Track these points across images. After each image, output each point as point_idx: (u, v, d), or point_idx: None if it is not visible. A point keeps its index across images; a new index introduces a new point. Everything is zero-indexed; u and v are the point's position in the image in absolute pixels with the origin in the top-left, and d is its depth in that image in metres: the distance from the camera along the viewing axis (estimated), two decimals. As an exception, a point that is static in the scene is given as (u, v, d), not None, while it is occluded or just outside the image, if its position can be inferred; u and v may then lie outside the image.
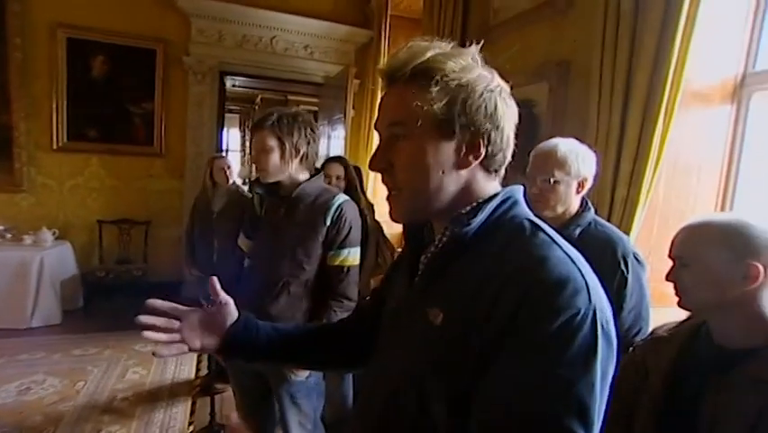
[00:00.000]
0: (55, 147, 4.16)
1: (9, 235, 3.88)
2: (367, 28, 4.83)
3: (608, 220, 1.80)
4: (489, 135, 0.63)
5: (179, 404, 2.66)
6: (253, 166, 3.37)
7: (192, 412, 2.59)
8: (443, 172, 0.64)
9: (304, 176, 1.54)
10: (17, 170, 4.08)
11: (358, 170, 2.51)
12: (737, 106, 1.91)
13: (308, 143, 1.50)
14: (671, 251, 0.93)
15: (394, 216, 0.69)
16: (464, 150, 0.63)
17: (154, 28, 4.27)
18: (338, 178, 2.23)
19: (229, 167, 2.91)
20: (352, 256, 1.51)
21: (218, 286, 0.81)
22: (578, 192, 1.32)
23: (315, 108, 5.79)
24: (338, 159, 2.46)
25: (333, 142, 4.65)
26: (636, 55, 1.77)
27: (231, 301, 0.84)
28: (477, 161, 0.64)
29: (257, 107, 9.14)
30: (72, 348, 3.27)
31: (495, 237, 0.63)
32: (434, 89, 0.61)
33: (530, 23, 2.56)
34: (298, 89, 6.74)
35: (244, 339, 0.83)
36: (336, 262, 1.50)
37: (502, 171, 0.69)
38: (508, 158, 0.68)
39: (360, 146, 4.80)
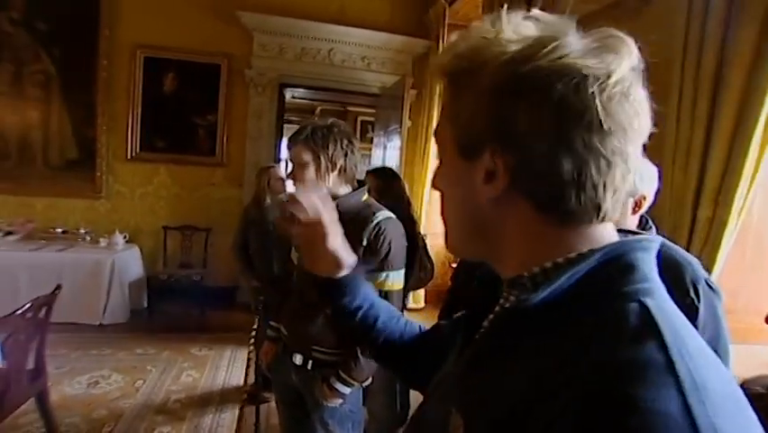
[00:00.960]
0: (129, 157, 4.50)
1: (88, 238, 4.24)
2: (425, 38, 4.78)
3: (689, 243, 1.58)
4: (522, 159, 0.42)
5: (228, 410, 2.70)
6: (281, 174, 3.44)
7: (239, 419, 2.61)
8: (465, 205, 0.48)
9: (344, 190, 1.44)
10: (98, 178, 4.46)
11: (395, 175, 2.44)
12: None
13: (346, 155, 1.40)
14: None
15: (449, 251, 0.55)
16: (482, 175, 0.44)
17: (219, 43, 4.49)
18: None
19: (282, 179, 2.91)
20: (392, 280, 1.38)
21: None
22: (634, 211, 1.16)
23: (372, 119, 5.81)
24: (373, 171, 2.41)
25: (389, 152, 4.63)
26: (728, 58, 1.55)
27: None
28: (497, 194, 0.44)
29: (317, 118, 9.37)
30: (135, 347, 3.46)
31: (571, 322, 0.40)
32: (454, 89, 0.47)
33: (598, 26, 2.36)
34: (356, 100, 6.84)
35: (355, 290, 0.77)
36: (373, 287, 1.40)
37: (607, 212, 0.42)
38: (609, 197, 0.42)
39: (416, 157, 4.74)
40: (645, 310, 0.37)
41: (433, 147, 4.46)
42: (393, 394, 2.22)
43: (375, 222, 1.36)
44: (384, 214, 1.40)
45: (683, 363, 0.34)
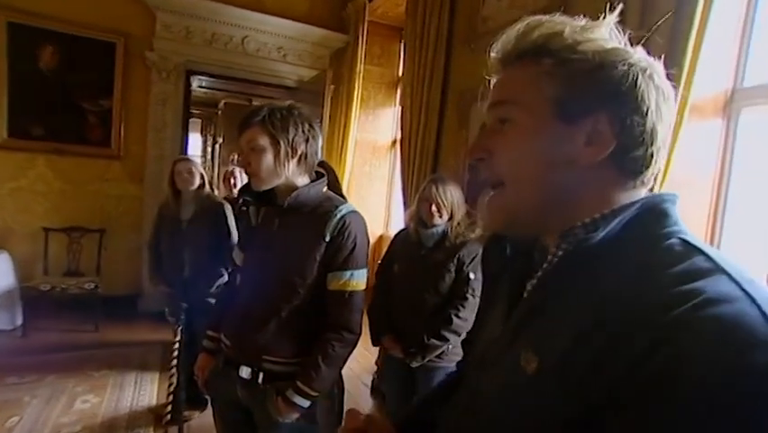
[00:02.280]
0: (-8, 144, 3.71)
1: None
2: (343, 32, 4.70)
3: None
4: (624, 122, 0.48)
5: (139, 436, 2.37)
6: (235, 172, 3.18)
7: (155, 445, 2.31)
8: (557, 166, 0.50)
9: (303, 180, 1.31)
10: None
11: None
12: (728, 121, 1.92)
13: (307, 141, 1.27)
14: None
15: (490, 221, 0.55)
16: (587, 139, 0.49)
17: (114, 19, 3.93)
18: None
19: (190, 171, 2.56)
20: (356, 279, 1.27)
21: None
22: None
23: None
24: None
25: (307, 147, 4.46)
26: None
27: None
28: (603, 155, 0.49)
29: (219, 112, 8.78)
30: (4, 376, 2.82)
31: (623, 258, 0.46)
32: (550, 62, 0.50)
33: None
34: (268, 93, 6.52)
35: None
36: (336, 287, 1.26)
37: (649, 178, 0.51)
38: (658, 161, 0.50)
39: (333, 153, 4.65)
40: (685, 242, 0.45)
41: (351, 143, 4.43)
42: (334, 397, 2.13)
43: (339, 215, 1.25)
44: (348, 207, 1.30)
45: (728, 266, 0.41)
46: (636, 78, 0.48)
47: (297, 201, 1.27)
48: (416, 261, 1.92)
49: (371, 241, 1.61)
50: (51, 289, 3.60)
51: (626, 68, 0.48)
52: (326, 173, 1.42)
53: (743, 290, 0.38)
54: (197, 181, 2.55)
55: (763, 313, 0.35)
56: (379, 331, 1.97)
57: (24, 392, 2.66)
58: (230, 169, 3.39)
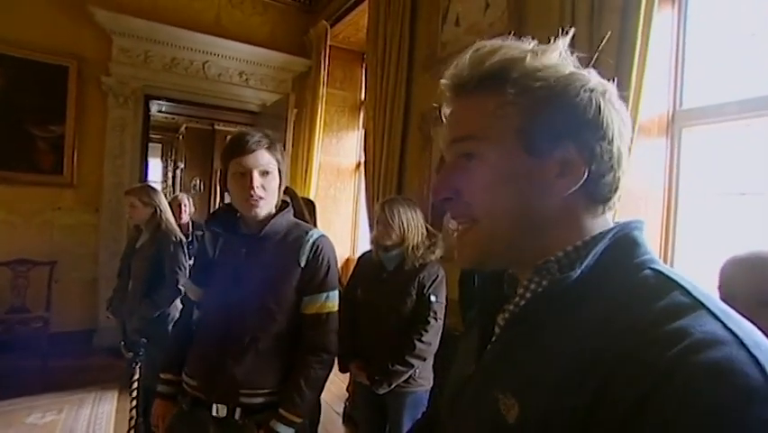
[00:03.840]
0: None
1: None
2: (305, 57, 4.75)
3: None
4: (593, 150, 0.48)
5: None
6: (183, 200, 3.07)
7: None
8: (530, 200, 0.49)
9: (272, 209, 1.32)
10: None
11: (309, 202, 2.34)
12: (671, 141, 2.05)
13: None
14: None
15: (463, 257, 0.53)
16: (559, 170, 0.48)
17: (67, 42, 3.80)
18: None
19: (132, 205, 2.45)
20: (331, 301, 1.30)
21: None
22: None
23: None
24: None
25: (270, 172, 4.41)
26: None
27: None
28: (577, 185, 0.48)
29: (181, 137, 8.59)
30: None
31: (602, 294, 0.44)
32: (512, 91, 0.48)
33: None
34: (230, 117, 6.43)
35: None
36: (313, 310, 1.27)
37: (615, 201, 0.51)
38: (622, 184, 0.50)
39: (298, 177, 4.61)
40: (658, 272, 0.44)
41: (315, 166, 4.42)
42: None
43: (311, 240, 1.28)
44: (317, 232, 1.33)
45: (705, 298, 0.40)
46: (599, 104, 0.48)
47: (271, 229, 1.27)
48: (378, 284, 1.91)
49: (338, 265, 1.60)
50: (-6, 328, 3.34)
51: (587, 94, 0.48)
52: (291, 199, 1.43)
53: (727, 328, 0.37)
54: (146, 211, 2.46)
55: (752, 357, 0.35)
56: (345, 357, 1.92)
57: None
58: (179, 196, 3.30)
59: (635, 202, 2.02)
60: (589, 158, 0.48)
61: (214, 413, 1.21)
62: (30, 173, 3.75)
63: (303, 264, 1.26)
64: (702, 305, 0.39)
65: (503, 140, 0.49)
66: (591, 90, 0.48)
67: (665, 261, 2.00)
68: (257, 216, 1.25)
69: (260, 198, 1.23)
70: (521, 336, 0.49)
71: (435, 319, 1.82)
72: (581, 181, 0.48)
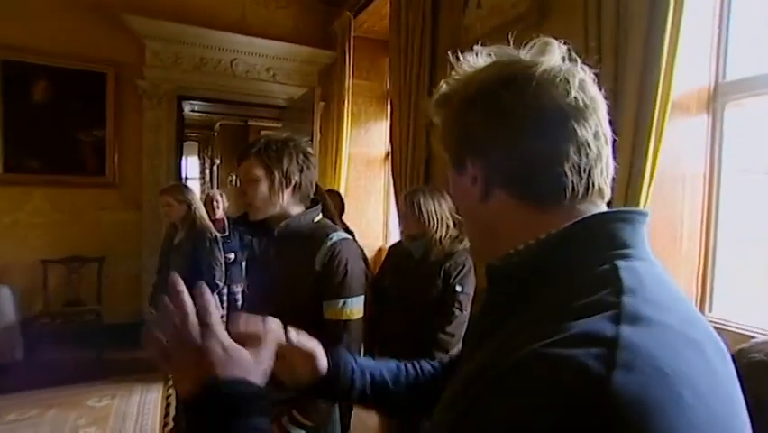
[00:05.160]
0: (-13, 180, 3.73)
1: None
2: (330, 49, 4.75)
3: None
4: (497, 157, 0.50)
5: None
6: (216, 196, 3.17)
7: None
8: (474, 209, 0.54)
9: (297, 209, 1.33)
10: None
11: (335, 194, 2.36)
12: (713, 117, 1.91)
13: (301, 171, 1.30)
14: None
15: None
16: (471, 180, 0.53)
17: (103, 50, 3.99)
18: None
19: (167, 203, 2.59)
20: (351, 307, 1.24)
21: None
22: None
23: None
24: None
25: (300, 166, 4.47)
26: (623, 65, 1.74)
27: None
28: (487, 192, 0.51)
29: (216, 134, 8.85)
30: (6, 413, 2.80)
31: (557, 288, 0.44)
32: (441, 110, 0.56)
33: (502, 39, 2.53)
34: (260, 113, 6.56)
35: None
36: (331, 315, 1.24)
37: (590, 194, 0.48)
38: (588, 177, 0.47)
39: (328, 170, 4.66)
40: (614, 268, 0.42)
41: (345, 157, 4.45)
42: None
43: (329, 243, 1.25)
44: (339, 234, 1.29)
45: (630, 304, 0.37)
46: (509, 109, 0.49)
47: (288, 230, 1.30)
48: (406, 271, 1.91)
49: (370, 255, 1.61)
50: (52, 320, 3.61)
51: (485, 96, 0.50)
52: (321, 200, 1.44)
53: (615, 336, 0.34)
54: (181, 209, 2.57)
55: (607, 365, 0.32)
56: (369, 344, 1.92)
57: (25, 428, 2.65)
58: (211, 193, 3.40)
59: (672, 185, 1.91)
60: (486, 165, 0.51)
61: None
62: (77, 175, 4.00)
63: (318, 267, 1.23)
64: (619, 305, 0.37)
65: (449, 165, 0.57)
66: (499, 95, 0.49)
67: (705, 247, 1.90)
68: (254, 218, 1.31)
69: (248, 204, 1.28)
70: (483, 332, 0.52)
71: (461, 310, 1.80)
72: (497, 189, 0.50)
